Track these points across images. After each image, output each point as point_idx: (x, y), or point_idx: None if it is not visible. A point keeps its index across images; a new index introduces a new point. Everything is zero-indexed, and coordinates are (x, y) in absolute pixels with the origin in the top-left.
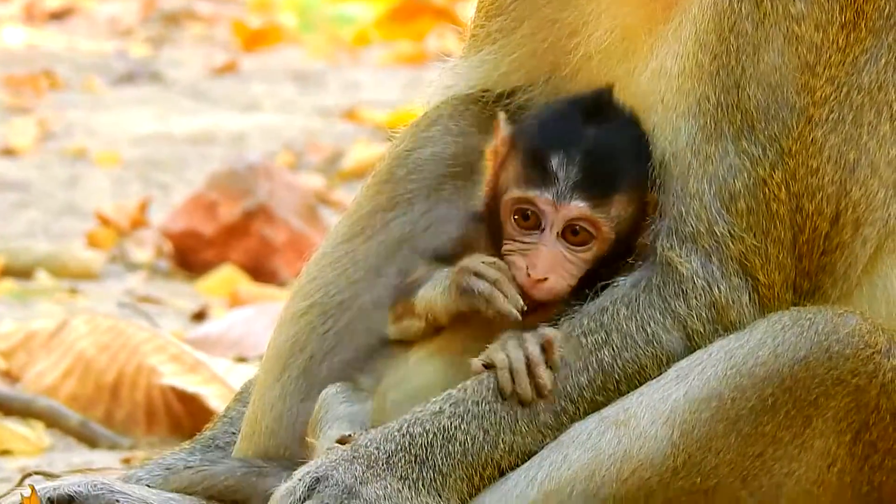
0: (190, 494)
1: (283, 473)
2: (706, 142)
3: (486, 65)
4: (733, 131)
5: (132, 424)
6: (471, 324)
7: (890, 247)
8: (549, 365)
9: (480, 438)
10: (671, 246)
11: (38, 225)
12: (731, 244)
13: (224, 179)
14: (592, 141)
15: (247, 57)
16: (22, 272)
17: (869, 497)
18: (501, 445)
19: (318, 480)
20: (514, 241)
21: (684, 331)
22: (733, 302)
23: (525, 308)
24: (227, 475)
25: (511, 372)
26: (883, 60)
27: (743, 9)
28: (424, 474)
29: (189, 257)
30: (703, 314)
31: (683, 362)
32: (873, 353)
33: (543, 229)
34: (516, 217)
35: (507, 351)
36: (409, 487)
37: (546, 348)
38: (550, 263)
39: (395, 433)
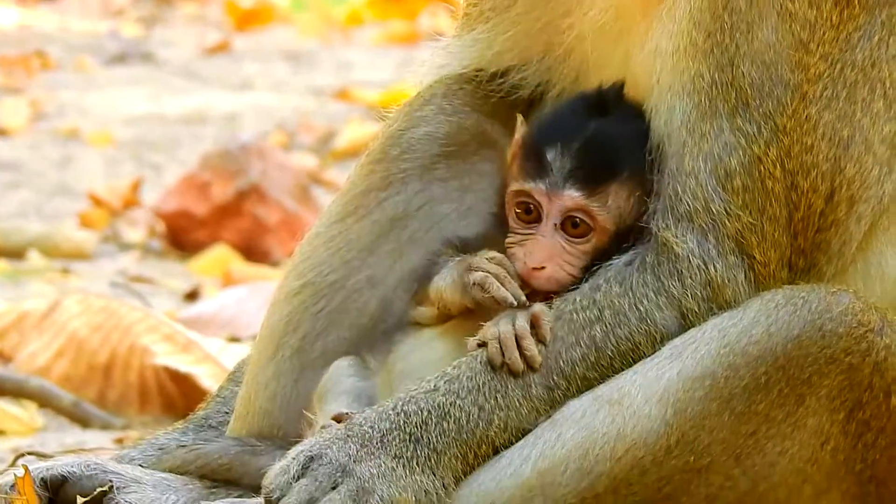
0: (183, 474)
1: (276, 452)
2: (701, 120)
3: (479, 44)
4: (728, 109)
5: (125, 404)
6: (482, 312)
7: (884, 224)
8: (539, 339)
9: (475, 415)
10: (667, 225)
11: (30, 205)
12: (727, 222)
13: (216, 159)
14: (589, 133)
15: (239, 36)
16: (14, 252)
17: (862, 475)
18: (496, 422)
19: (312, 459)
20: (516, 233)
21: (679, 309)
22: (729, 280)
23: (526, 300)
24: (221, 454)
25: (500, 344)
26: (876, 37)
27: None
28: (419, 452)
29: (182, 237)
30: (699, 293)
31: (677, 341)
32: (866, 331)
33: (542, 221)
34: (518, 211)
35: (498, 326)
36: (404, 466)
37: (534, 322)
38: (547, 253)
39: (390, 411)
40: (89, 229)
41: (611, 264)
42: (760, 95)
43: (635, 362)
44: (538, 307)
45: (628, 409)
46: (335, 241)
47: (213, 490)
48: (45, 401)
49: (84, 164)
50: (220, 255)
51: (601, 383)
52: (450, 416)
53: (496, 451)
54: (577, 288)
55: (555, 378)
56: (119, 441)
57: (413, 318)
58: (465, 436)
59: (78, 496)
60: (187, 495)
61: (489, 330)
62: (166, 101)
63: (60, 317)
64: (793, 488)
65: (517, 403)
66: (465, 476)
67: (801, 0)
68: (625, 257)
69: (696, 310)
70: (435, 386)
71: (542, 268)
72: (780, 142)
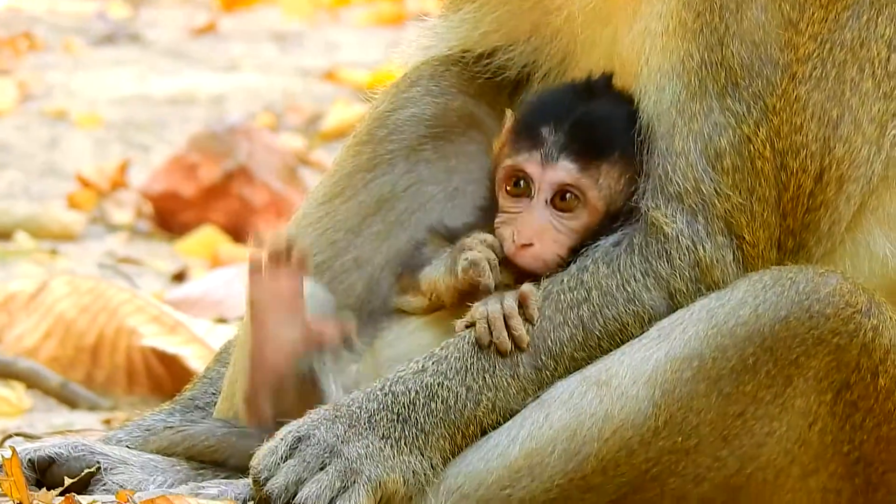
0: (170, 455)
1: (263, 434)
2: (691, 100)
3: (465, 24)
4: (717, 89)
5: (112, 385)
6: (472, 303)
7: (873, 204)
8: (527, 318)
9: (463, 396)
10: (656, 205)
11: (17, 186)
12: (717, 202)
13: (204, 141)
14: (583, 111)
15: (226, 17)
16: (1, 233)
17: (850, 456)
18: (484, 403)
19: (299, 440)
20: (504, 212)
21: (667, 290)
22: (718, 261)
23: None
24: (207, 435)
25: (489, 323)
26: (865, 17)
27: None
28: (407, 433)
29: (169, 218)
30: (687, 273)
31: (665, 321)
32: (854, 312)
33: (532, 196)
34: (508, 188)
35: (487, 306)
36: (392, 446)
37: (522, 302)
38: (536, 230)
39: (378, 392)
40: (77, 210)
41: (598, 245)
42: (750, 75)
43: (623, 343)
44: (527, 287)
45: (616, 390)
46: (322, 222)
47: (201, 471)
48: (32, 382)
49: (72, 145)
50: (207, 237)
51: (589, 364)
52: (437, 397)
53: (484, 432)
54: (565, 269)
55: (543, 358)
56: (107, 422)
57: (398, 306)
58: (452, 416)
59: (65, 477)
60: (174, 476)
61: (477, 310)
62: (154, 82)
63: (48, 298)
64: (780, 469)
65: (505, 384)
66: (452, 456)
67: None
68: (612, 238)
69: (685, 290)
70: (423, 366)
71: (530, 245)
72: (769, 122)
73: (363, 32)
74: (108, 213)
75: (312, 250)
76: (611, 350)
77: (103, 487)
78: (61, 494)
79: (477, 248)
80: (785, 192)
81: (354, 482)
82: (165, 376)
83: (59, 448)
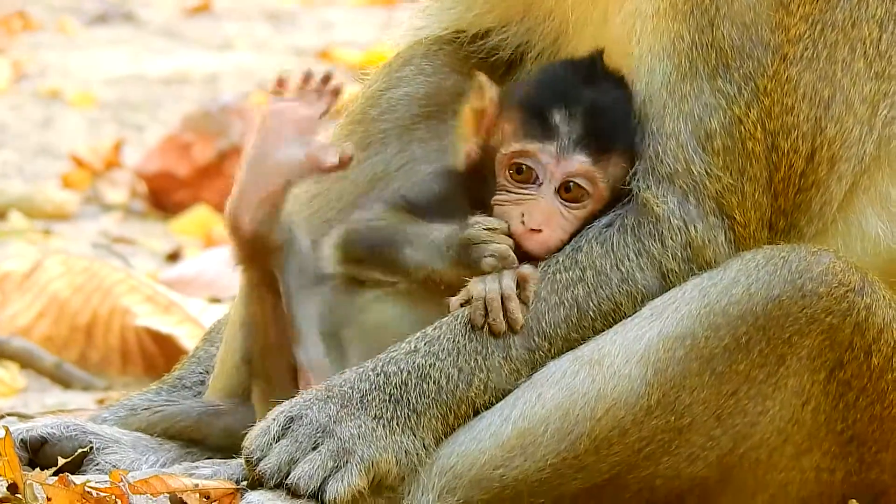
0: (151, 435)
1: (241, 411)
2: (681, 81)
3: (459, 5)
4: (708, 70)
5: (106, 365)
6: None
7: (865, 183)
8: (522, 300)
9: (455, 376)
10: (648, 186)
11: (11, 166)
12: (708, 183)
13: (198, 120)
14: (591, 99)
15: None
16: None
17: (843, 435)
18: (476, 383)
19: (292, 420)
20: (509, 192)
21: (659, 270)
22: (709, 241)
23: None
24: (183, 416)
25: (485, 303)
26: None
27: None
28: (399, 413)
29: (163, 198)
30: (679, 253)
31: (657, 301)
32: (847, 291)
33: (541, 183)
34: (511, 172)
35: (485, 284)
36: (384, 426)
37: (521, 283)
38: (546, 216)
39: (370, 372)
40: (71, 190)
41: (592, 226)
42: (741, 56)
43: (616, 322)
44: (527, 268)
45: (608, 370)
46: (315, 200)
47: (190, 450)
48: (26, 362)
49: (66, 124)
50: (201, 216)
51: (582, 344)
52: (430, 378)
53: (476, 412)
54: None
55: (536, 339)
56: (101, 402)
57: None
58: (444, 397)
59: (58, 457)
60: (165, 455)
61: (475, 287)
62: (147, 61)
63: (42, 278)
64: (774, 448)
65: (497, 364)
66: (445, 436)
67: None
68: (605, 219)
69: (677, 270)
70: (415, 347)
71: (539, 230)
72: (760, 103)
73: (357, 12)
74: (102, 192)
75: (306, 229)
76: (604, 330)
77: (96, 467)
78: (55, 475)
79: (496, 239)
80: (776, 172)
81: (347, 462)
82: (159, 356)
83: (52, 428)
